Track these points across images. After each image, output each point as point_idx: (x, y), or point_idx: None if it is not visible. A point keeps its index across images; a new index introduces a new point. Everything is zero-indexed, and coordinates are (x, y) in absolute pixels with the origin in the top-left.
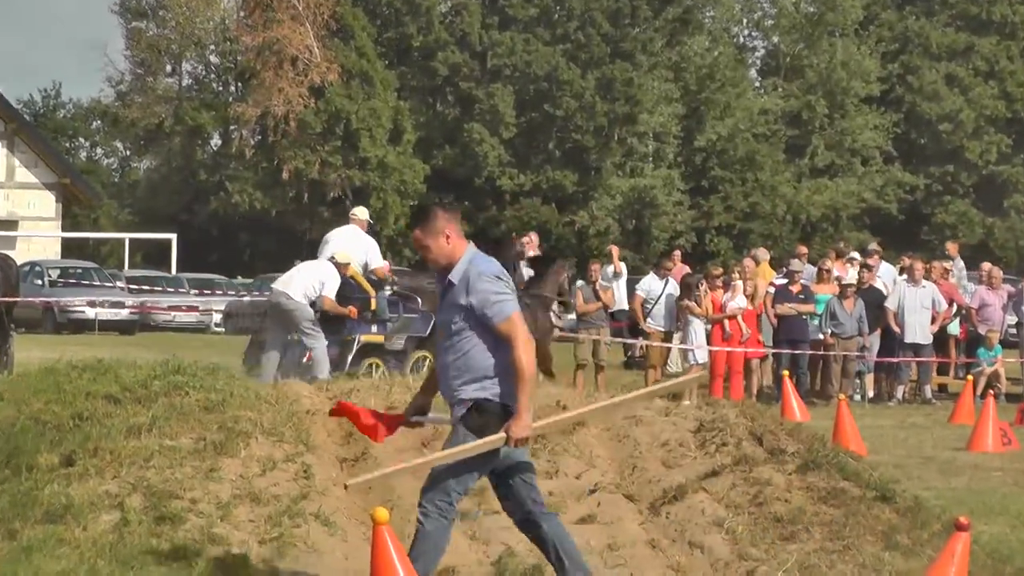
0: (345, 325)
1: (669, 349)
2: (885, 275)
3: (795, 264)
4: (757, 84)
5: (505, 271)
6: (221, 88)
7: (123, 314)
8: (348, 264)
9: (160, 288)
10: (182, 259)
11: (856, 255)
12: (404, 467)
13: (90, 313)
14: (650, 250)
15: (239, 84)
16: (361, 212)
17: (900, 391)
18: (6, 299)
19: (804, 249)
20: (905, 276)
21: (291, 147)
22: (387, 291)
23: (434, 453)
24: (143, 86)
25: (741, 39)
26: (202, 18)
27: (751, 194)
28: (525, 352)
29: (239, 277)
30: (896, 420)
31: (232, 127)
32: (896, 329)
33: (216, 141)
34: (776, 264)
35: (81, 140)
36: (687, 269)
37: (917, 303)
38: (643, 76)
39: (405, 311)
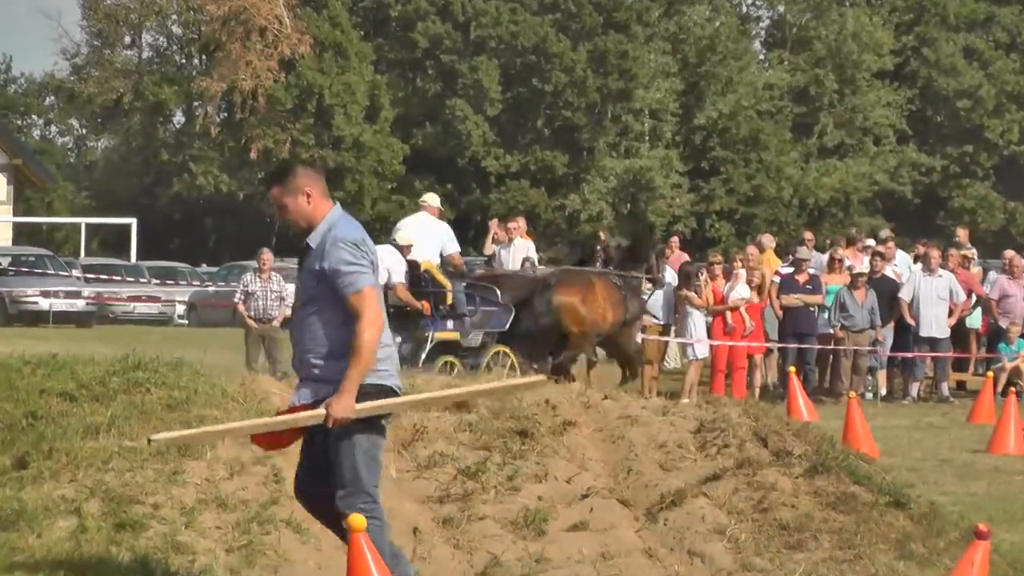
0: (419, 321)
1: (667, 343)
2: (899, 264)
3: (802, 252)
4: (761, 57)
5: (368, 240)
6: (184, 61)
7: (79, 305)
8: (410, 246)
9: (119, 277)
10: (142, 246)
11: (870, 242)
12: (219, 430)
13: (44, 304)
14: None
15: (203, 57)
16: (431, 199)
17: (915, 388)
18: None
19: (811, 235)
20: (920, 265)
21: (259, 125)
22: (463, 284)
23: (252, 420)
24: (100, 59)
25: (744, 8)
26: None
27: (755, 176)
28: (369, 330)
29: (204, 265)
30: (911, 420)
31: (196, 103)
32: (911, 322)
33: (179, 119)
34: (782, 252)
35: (34, 118)
36: (686, 257)
37: (933, 294)
38: (639, 48)
39: (483, 304)
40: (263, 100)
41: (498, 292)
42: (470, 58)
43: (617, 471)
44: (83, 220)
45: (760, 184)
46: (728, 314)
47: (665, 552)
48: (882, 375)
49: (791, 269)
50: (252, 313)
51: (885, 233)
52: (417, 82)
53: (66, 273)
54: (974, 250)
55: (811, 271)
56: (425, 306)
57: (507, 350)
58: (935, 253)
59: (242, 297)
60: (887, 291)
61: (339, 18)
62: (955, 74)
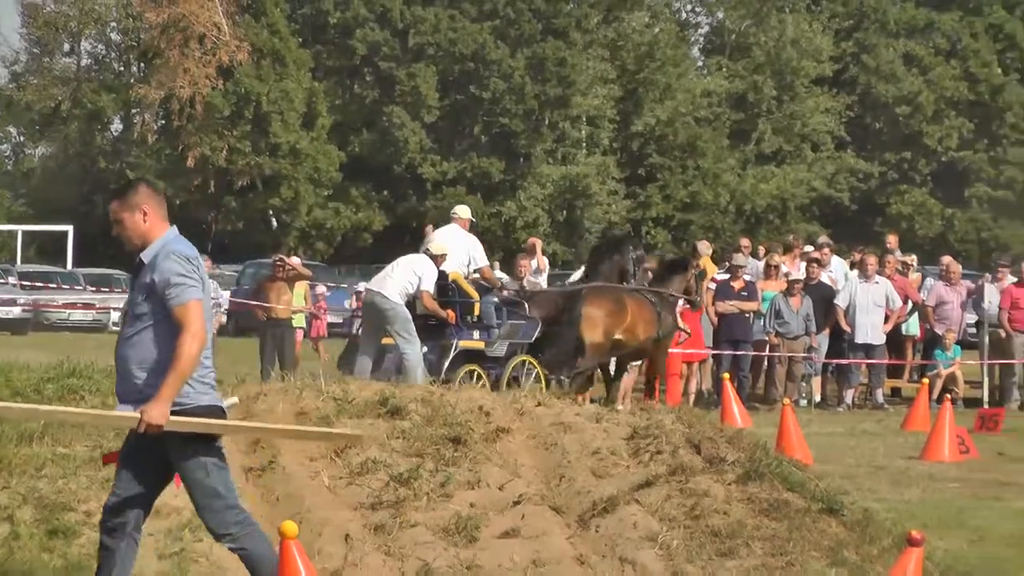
0: (445, 330)
1: None
2: (835, 270)
3: (738, 258)
4: (700, 64)
5: (200, 258)
6: (122, 68)
7: (14, 312)
8: (444, 255)
9: (54, 284)
10: (79, 253)
11: (808, 248)
12: (63, 412)
13: None
14: (582, 243)
15: (142, 64)
16: (463, 211)
17: (850, 395)
18: None
19: (747, 242)
20: (857, 271)
21: (197, 132)
22: (493, 297)
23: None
24: (39, 67)
25: (684, 15)
26: None
27: (692, 183)
28: (191, 342)
29: None
30: (845, 427)
31: (134, 111)
32: (846, 328)
33: (117, 126)
34: (719, 258)
35: None
36: None
37: (869, 300)
38: (577, 55)
39: (511, 317)
40: (201, 107)
41: (527, 306)
42: (408, 65)
43: (550, 478)
44: (19, 227)
45: (697, 191)
46: None
47: (597, 559)
48: (817, 382)
49: (727, 276)
50: None
51: (822, 239)
52: (355, 89)
53: (1, 280)
54: (914, 256)
55: (747, 278)
56: (450, 315)
57: (532, 360)
58: (872, 259)
59: None
60: (823, 298)
61: (277, 25)
62: (894, 80)
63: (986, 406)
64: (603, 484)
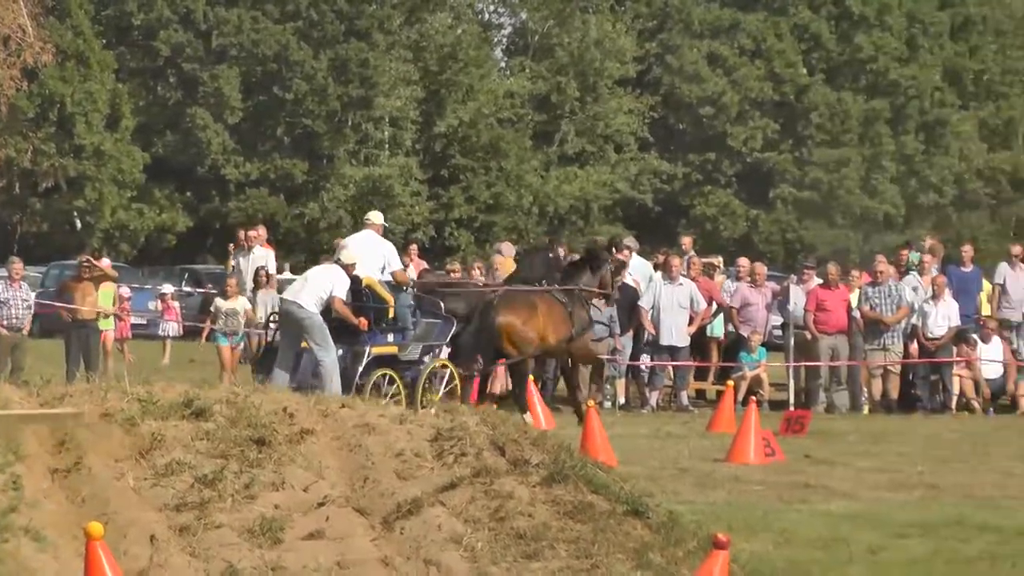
0: (359, 336)
1: None
2: (639, 272)
3: None
4: (503, 65)
5: None
6: None
7: None
8: (354, 264)
9: None
10: None
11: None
12: None
13: None
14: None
15: None
16: (375, 217)
17: (654, 397)
18: None
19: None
20: (661, 273)
21: (1, 134)
22: (408, 297)
23: None
24: None
25: (487, 16)
26: None
27: (495, 184)
28: None
29: None
30: (650, 429)
31: None
32: (650, 330)
33: None
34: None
35: None
36: (424, 265)
37: (674, 302)
38: (380, 56)
39: (426, 316)
40: (5, 109)
41: (442, 305)
42: (211, 66)
43: (354, 480)
44: None
45: (500, 192)
46: None
47: (401, 561)
48: (621, 384)
49: None
50: (4, 321)
51: (627, 241)
52: (158, 90)
53: None
54: (720, 258)
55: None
56: (362, 322)
57: (447, 363)
58: (675, 261)
59: None
60: (627, 299)
61: (82, 27)
62: (698, 81)
63: (792, 408)
64: (407, 486)
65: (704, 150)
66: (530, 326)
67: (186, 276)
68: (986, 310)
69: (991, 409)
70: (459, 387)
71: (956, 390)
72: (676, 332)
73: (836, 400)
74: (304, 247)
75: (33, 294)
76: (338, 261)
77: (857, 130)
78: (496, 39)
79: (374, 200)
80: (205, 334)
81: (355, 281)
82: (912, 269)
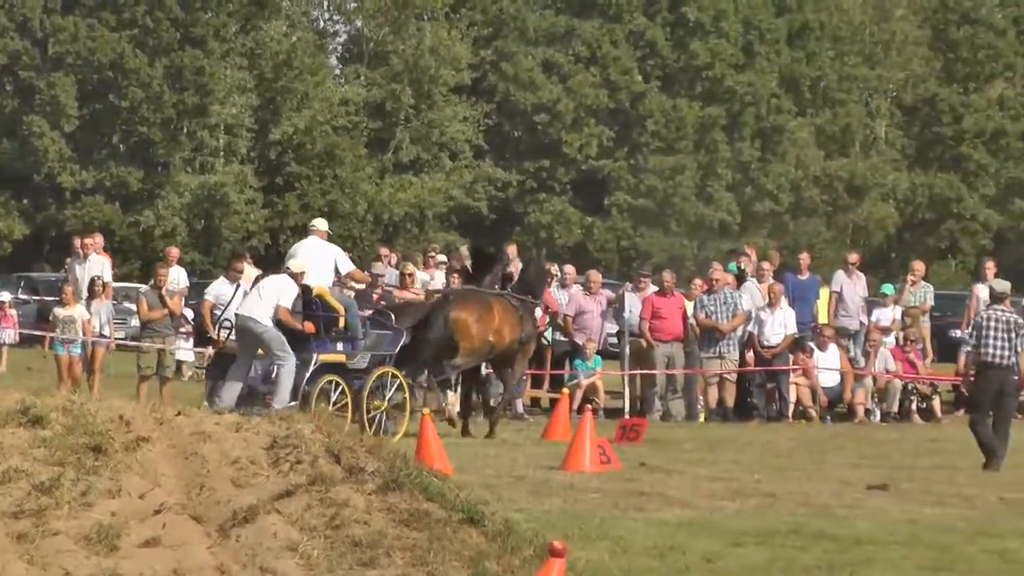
0: (306, 343)
1: None
2: None
3: (377, 267)
4: (338, 72)
5: None
6: None
7: None
8: (303, 272)
9: None
10: None
11: (442, 258)
12: None
13: None
14: (220, 252)
15: None
16: (320, 223)
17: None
18: None
19: (387, 251)
20: None
21: None
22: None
23: None
24: None
25: (322, 23)
26: None
27: (330, 192)
28: None
29: None
30: (484, 437)
31: None
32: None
33: None
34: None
35: None
36: (259, 272)
37: None
38: (215, 64)
39: (375, 327)
40: None
41: (392, 316)
42: (48, 74)
43: (190, 487)
44: None
45: (335, 199)
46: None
47: (237, 568)
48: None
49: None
50: None
51: (464, 249)
52: None
53: None
54: (556, 265)
55: (388, 287)
56: (307, 327)
57: (395, 371)
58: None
59: None
60: None
61: None
62: (533, 88)
63: (627, 416)
64: (243, 494)
65: (539, 157)
66: (484, 322)
67: (22, 284)
68: (823, 318)
69: (828, 417)
70: (407, 396)
71: (793, 398)
72: None
73: (672, 408)
74: (140, 255)
75: None
76: (287, 270)
77: (693, 137)
78: (331, 47)
79: (209, 208)
80: (48, 343)
81: (306, 291)
82: (750, 278)
